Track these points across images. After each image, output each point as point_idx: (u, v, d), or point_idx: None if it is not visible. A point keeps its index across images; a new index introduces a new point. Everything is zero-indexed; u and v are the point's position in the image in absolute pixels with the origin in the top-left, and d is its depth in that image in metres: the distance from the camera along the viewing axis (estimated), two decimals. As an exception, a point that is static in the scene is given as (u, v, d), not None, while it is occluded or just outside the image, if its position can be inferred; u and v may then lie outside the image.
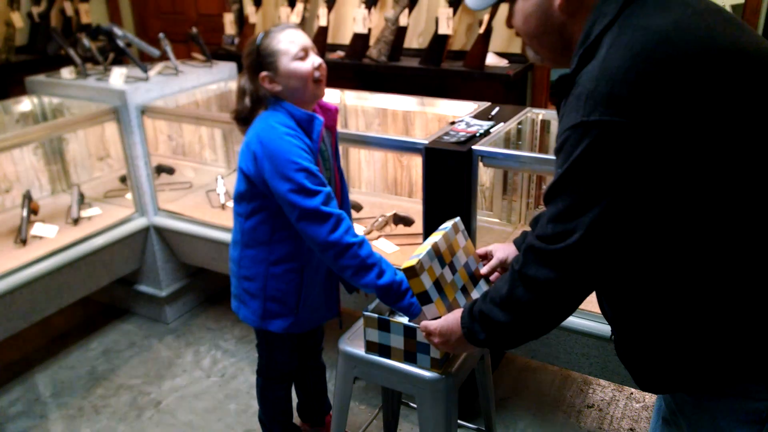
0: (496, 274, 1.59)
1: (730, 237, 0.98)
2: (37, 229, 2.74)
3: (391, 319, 1.55)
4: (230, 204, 2.93)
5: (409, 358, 1.56)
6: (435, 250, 1.48)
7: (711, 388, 1.08)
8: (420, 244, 1.68)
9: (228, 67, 3.22)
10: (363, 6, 3.49)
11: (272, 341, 1.96)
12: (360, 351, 1.63)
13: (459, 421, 1.83)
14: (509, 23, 1.17)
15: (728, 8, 2.60)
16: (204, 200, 3.04)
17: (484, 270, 1.58)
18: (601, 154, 0.95)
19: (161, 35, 3.16)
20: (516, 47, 3.38)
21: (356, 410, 2.43)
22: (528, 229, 1.59)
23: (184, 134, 3.43)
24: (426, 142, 2.06)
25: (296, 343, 2.03)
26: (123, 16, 5.00)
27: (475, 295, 1.54)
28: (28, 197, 2.81)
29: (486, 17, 3.17)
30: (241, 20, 4.06)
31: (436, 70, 3.33)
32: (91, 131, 3.25)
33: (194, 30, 3.33)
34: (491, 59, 3.28)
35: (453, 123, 2.25)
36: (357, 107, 3.01)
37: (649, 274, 1.05)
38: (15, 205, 2.98)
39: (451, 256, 1.53)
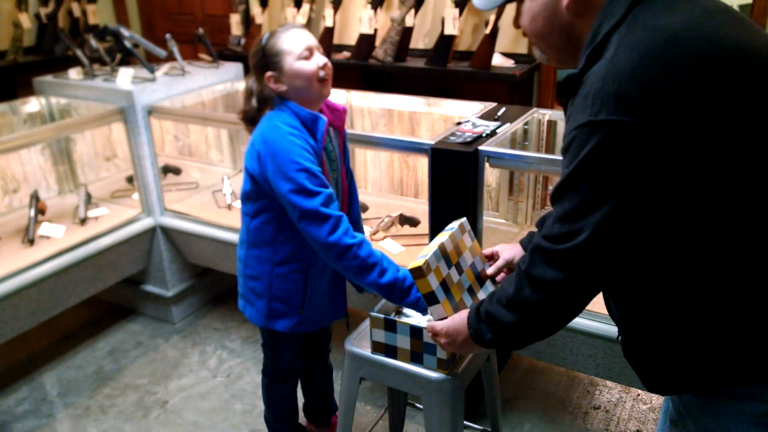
0: (502, 274, 1.58)
1: (737, 237, 0.98)
2: (45, 229, 2.75)
3: (397, 319, 1.55)
4: (236, 204, 2.93)
5: (416, 359, 1.56)
6: (442, 251, 1.48)
7: (719, 390, 1.07)
8: (426, 244, 1.68)
9: (234, 68, 3.23)
10: (369, 6, 3.49)
11: (277, 341, 1.97)
12: (366, 351, 1.63)
13: (465, 422, 1.83)
14: (516, 23, 1.17)
15: (736, 8, 2.59)
16: (210, 200, 3.04)
17: (490, 270, 1.58)
18: (608, 153, 0.95)
19: (168, 36, 3.18)
20: (522, 47, 3.37)
21: (362, 411, 2.43)
22: (534, 229, 1.59)
23: (191, 134, 3.44)
24: (432, 142, 2.06)
25: (302, 342, 2.03)
26: (130, 16, 5.02)
27: (482, 295, 1.54)
28: (35, 197, 2.83)
29: (492, 17, 3.16)
30: (248, 21, 4.07)
31: (442, 71, 3.32)
32: (99, 132, 3.26)
33: (201, 31, 3.33)
34: (497, 59, 3.27)
35: (459, 123, 2.25)
36: (363, 108, 3.02)
37: (656, 274, 1.05)
38: (23, 205, 2.99)
39: (457, 256, 1.53)
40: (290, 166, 1.62)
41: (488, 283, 1.59)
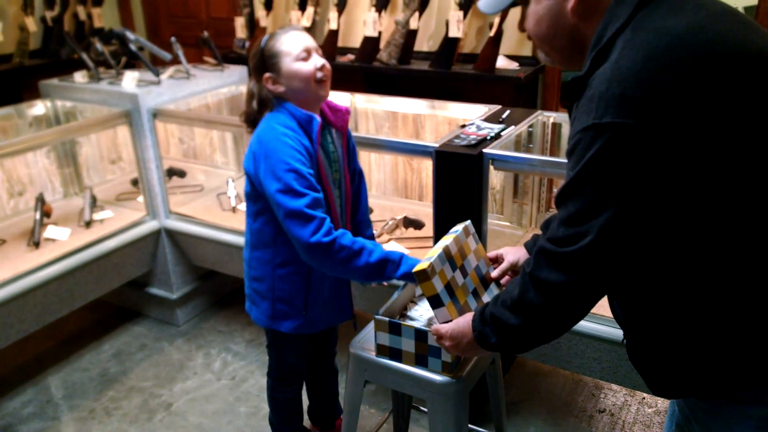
0: (506, 277, 1.58)
1: (743, 240, 0.98)
2: (50, 231, 2.76)
3: (402, 323, 1.55)
4: (241, 207, 2.94)
5: (420, 362, 1.55)
6: (446, 254, 1.48)
7: (725, 394, 1.06)
8: (430, 247, 1.68)
9: (239, 71, 3.23)
10: (373, 9, 3.49)
11: (281, 342, 1.97)
12: (371, 354, 1.63)
13: (470, 425, 1.82)
14: (522, 27, 1.17)
15: (741, 10, 2.58)
16: (215, 203, 3.05)
17: (494, 273, 1.58)
18: (613, 156, 0.95)
19: (173, 39, 3.19)
20: (526, 50, 3.37)
21: (366, 414, 2.43)
22: (539, 232, 1.59)
23: (196, 137, 3.45)
24: (436, 145, 2.06)
25: (306, 344, 2.03)
26: (135, 20, 5.04)
27: (486, 298, 1.54)
28: (41, 200, 2.84)
29: (497, 20, 3.16)
30: (252, 24, 4.07)
31: (446, 73, 3.32)
32: (104, 135, 3.28)
33: (205, 34, 3.35)
34: (502, 62, 3.27)
35: (463, 126, 2.25)
36: (367, 110, 3.02)
37: (661, 277, 1.05)
38: (28, 208, 3.00)
39: (462, 259, 1.53)
40: (280, 165, 1.63)
41: (493, 286, 1.58)
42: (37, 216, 2.77)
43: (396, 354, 1.58)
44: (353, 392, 1.71)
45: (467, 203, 2.04)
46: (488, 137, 2.09)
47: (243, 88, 3.19)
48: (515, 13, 3.06)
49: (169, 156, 3.35)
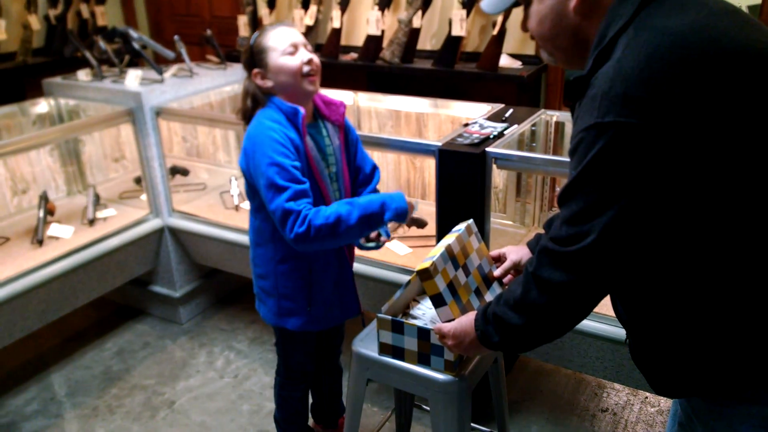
0: (509, 276, 1.58)
1: (745, 239, 0.98)
2: (54, 229, 2.77)
3: (405, 321, 1.55)
4: (244, 205, 2.95)
5: (423, 360, 1.56)
6: (449, 253, 1.48)
7: (727, 393, 1.06)
8: (433, 246, 1.68)
9: (242, 69, 3.23)
10: (376, 8, 3.49)
11: (289, 340, 1.97)
12: (373, 353, 1.63)
13: (472, 424, 1.82)
14: (524, 27, 1.17)
15: (745, 9, 2.57)
16: (218, 201, 3.05)
17: (497, 272, 1.58)
18: (615, 155, 0.95)
19: (176, 37, 3.19)
20: (529, 48, 3.36)
21: (369, 412, 2.43)
22: (542, 231, 1.59)
23: (199, 136, 3.45)
24: (439, 143, 2.06)
25: (314, 344, 2.03)
26: (138, 18, 5.04)
27: (489, 297, 1.54)
28: (44, 198, 2.84)
29: (499, 19, 3.16)
30: (255, 22, 4.07)
31: (449, 72, 3.32)
32: (107, 133, 3.28)
33: (208, 32, 3.35)
34: (505, 61, 3.26)
35: (466, 125, 2.25)
36: (370, 109, 3.02)
37: (664, 277, 1.05)
38: (32, 206, 3.01)
39: (464, 258, 1.53)
40: (263, 160, 1.65)
41: (495, 285, 1.59)
42: (41, 214, 2.77)
43: (398, 352, 1.58)
44: (356, 390, 1.72)
45: (470, 202, 2.04)
46: (491, 136, 2.09)
47: (246, 87, 3.19)
48: (518, 11, 3.05)
49: (172, 154, 3.35)
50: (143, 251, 2.90)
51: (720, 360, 1.04)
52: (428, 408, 1.66)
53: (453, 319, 1.39)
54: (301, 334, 1.93)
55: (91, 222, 2.85)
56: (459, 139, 2.08)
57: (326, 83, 2.94)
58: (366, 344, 1.67)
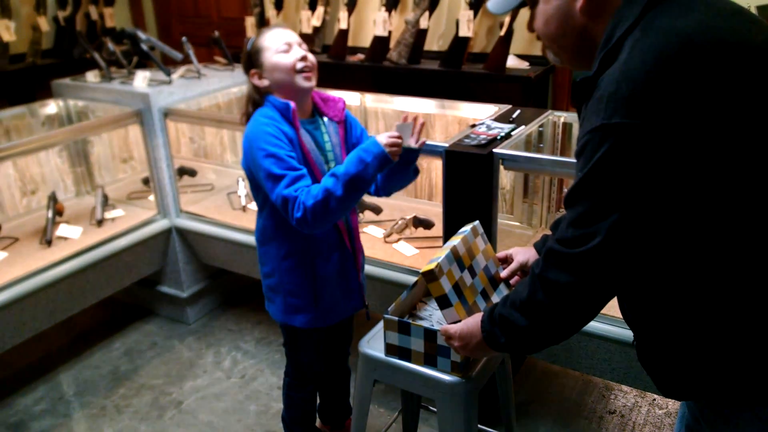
0: (516, 278, 1.58)
1: (751, 242, 0.97)
2: (62, 230, 2.78)
3: (411, 322, 1.55)
4: (251, 206, 2.95)
5: (429, 361, 1.55)
6: (454, 254, 1.48)
7: (734, 395, 1.06)
8: (440, 247, 1.68)
9: (249, 70, 3.24)
10: (383, 9, 3.49)
11: (297, 339, 1.97)
12: (380, 354, 1.63)
13: (479, 426, 1.82)
14: (531, 27, 1.17)
15: (753, 10, 2.56)
16: (225, 202, 3.06)
17: (504, 273, 1.58)
18: (622, 157, 0.95)
19: (184, 39, 3.20)
20: (537, 49, 3.36)
21: (376, 413, 2.43)
22: (549, 232, 1.58)
23: (206, 137, 3.46)
24: (446, 145, 2.06)
25: (322, 344, 2.03)
26: (146, 20, 5.06)
27: (496, 298, 1.54)
28: (53, 199, 2.86)
29: (507, 19, 3.15)
30: (263, 23, 4.08)
31: (456, 73, 3.32)
32: (115, 134, 3.30)
33: (216, 34, 3.36)
34: (512, 61, 3.26)
35: (473, 126, 2.24)
36: (377, 110, 3.02)
37: (670, 278, 1.04)
38: (41, 207, 3.03)
39: (470, 259, 1.53)
40: (259, 153, 1.68)
41: (502, 286, 1.58)
42: (50, 214, 2.79)
43: (405, 353, 1.58)
44: (363, 391, 1.72)
45: (477, 203, 2.04)
46: (498, 137, 2.09)
47: (253, 88, 3.20)
48: (526, 12, 3.05)
49: (180, 155, 3.36)
50: (151, 252, 2.92)
51: (726, 362, 1.03)
52: (435, 409, 1.66)
53: (459, 321, 1.39)
54: (309, 332, 1.93)
55: (100, 222, 2.86)
56: (466, 140, 2.08)
57: (333, 84, 2.95)
58: (373, 345, 1.67)
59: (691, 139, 0.91)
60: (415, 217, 2.62)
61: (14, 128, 3.02)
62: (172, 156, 2.87)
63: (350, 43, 3.75)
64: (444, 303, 1.43)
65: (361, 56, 3.67)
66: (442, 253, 1.46)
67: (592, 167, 0.98)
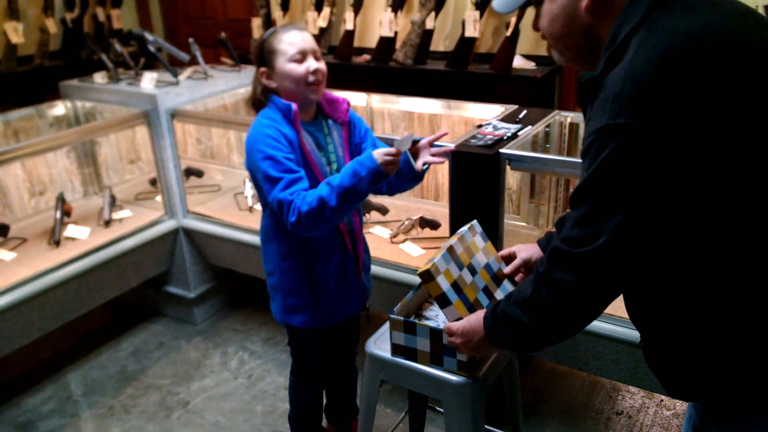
0: (520, 275, 1.58)
1: (757, 242, 0.97)
2: (70, 230, 2.80)
3: (417, 322, 1.55)
4: (257, 207, 2.96)
5: (435, 361, 1.55)
6: (451, 253, 1.50)
7: (740, 396, 1.05)
8: (447, 247, 1.68)
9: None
10: (389, 9, 3.49)
11: (299, 338, 1.98)
12: (387, 354, 1.63)
13: (486, 427, 1.82)
14: (536, 26, 1.17)
15: (761, 9, 2.55)
16: (232, 203, 3.07)
17: (507, 269, 1.59)
18: (627, 157, 0.94)
19: (191, 40, 3.21)
20: (543, 49, 3.35)
21: (382, 414, 2.43)
22: (553, 230, 1.59)
23: (213, 137, 3.47)
24: (453, 145, 2.06)
25: (327, 344, 2.03)
26: (153, 21, 5.08)
27: (499, 295, 1.54)
28: (61, 199, 2.87)
29: (513, 20, 3.15)
30: (269, 25, 4.09)
31: (462, 73, 3.32)
32: (123, 135, 3.31)
33: (223, 35, 3.37)
34: (518, 62, 3.25)
35: (480, 126, 2.24)
36: (383, 110, 3.02)
37: (675, 278, 1.04)
38: (49, 207, 3.05)
39: (469, 258, 1.54)
40: (257, 155, 1.69)
41: (506, 282, 1.59)
42: (58, 215, 2.80)
43: (411, 353, 1.58)
44: (369, 392, 1.72)
45: (484, 203, 2.04)
46: (505, 137, 2.09)
47: (260, 89, 3.21)
48: (532, 12, 3.04)
49: (187, 156, 3.37)
50: (158, 252, 2.93)
51: (733, 362, 1.03)
52: (442, 410, 1.66)
53: (460, 318, 1.39)
54: (309, 331, 1.93)
55: (107, 223, 2.87)
56: (472, 141, 2.08)
57: (339, 85, 2.96)
58: (379, 345, 1.67)
59: (696, 138, 0.91)
60: (421, 218, 2.62)
61: (22, 129, 3.03)
62: (179, 157, 2.88)
63: (356, 43, 3.75)
64: (443, 302, 1.44)
65: (367, 57, 3.67)
66: (438, 254, 1.47)
67: (597, 167, 0.98)
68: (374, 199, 2.80)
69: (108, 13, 4.66)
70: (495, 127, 2.20)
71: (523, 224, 2.67)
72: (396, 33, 3.52)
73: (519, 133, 2.13)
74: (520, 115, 2.35)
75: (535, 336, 1.17)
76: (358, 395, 2.27)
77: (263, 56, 1.76)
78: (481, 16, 3.23)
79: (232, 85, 3.12)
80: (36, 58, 4.33)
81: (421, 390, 1.66)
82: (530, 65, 3.28)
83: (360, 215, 1.94)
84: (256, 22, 4.12)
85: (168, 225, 2.92)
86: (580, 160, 1.05)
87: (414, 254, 2.47)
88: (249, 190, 3.04)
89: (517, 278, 1.59)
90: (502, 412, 1.98)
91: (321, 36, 3.78)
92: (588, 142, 1.00)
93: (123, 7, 4.75)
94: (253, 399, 2.59)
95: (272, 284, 1.91)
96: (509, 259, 1.60)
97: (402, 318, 1.56)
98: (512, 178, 2.63)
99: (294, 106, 1.73)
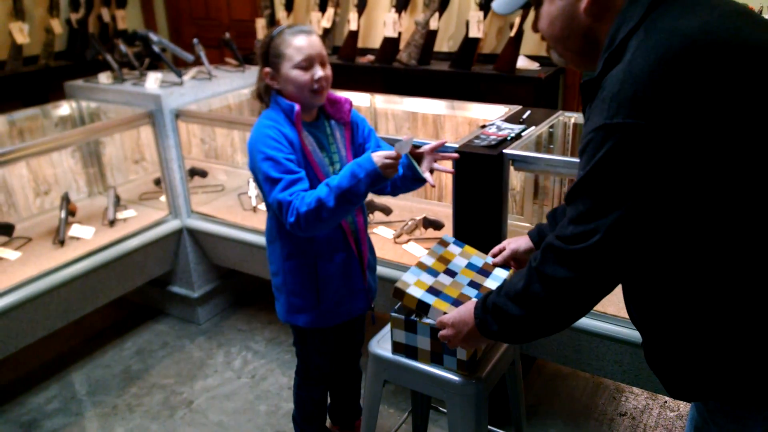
0: (512, 262, 1.63)
1: (754, 242, 0.97)
2: (75, 230, 2.81)
3: (417, 320, 1.55)
4: (261, 207, 2.96)
5: (436, 360, 1.56)
6: (420, 266, 1.59)
7: (742, 396, 1.05)
8: (451, 247, 1.74)
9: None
10: (393, 10, 3.50)
11: (304, 338, 1.98)
12: (390, 354, 1.64)
13: (489, 427, 1.82)
14: (535, 27, 1.17)
15: (766, 9, 2.54)
16: (236, 203, 3.07)
17: (497, 260, 1.63)
18: (623, 156, 0.95)
19: (195, 41, 3.22)
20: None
21: (385, 414, 2.43)
22: (545, 222, 1.61)
23: (217, 138, 3.48)
24: (456, 145, 2.06)
25: (333, 345, 2.03)
26: (158, 22, 5.10)
27: (488, 284, 1.60)
28: (66, 199, 2.88)
29: (517, 20, 3.15)
30: (273, 25, 4.10)
31: (466, 74, 3.32)
32: (127, 135, 3.32)
33: (227, 35, 3.38)
34: (522, 62, 3.25)
35: (484, 126, 2.24)
36: (387, 111, 3.02)
37: (676, 278, 1.04)
38: (54, 207, 3.06)
39: (445, 265, 1.63)
40: (258, 156, 1.69)
41: (497, 271, 1.65)
42: (63, 215, 2.81)
43: (411, 351, 1.59)
44: (372, 392, 1.72)
45: (487, 204, 2.04)
46: (508, 138, 2.09)
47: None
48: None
49: (191, 156, 3.38)
50: (162, 252, 2.93)
51: (734, 362, 1.03)
52: (445, 410, 1.66)
53: (445, 314, 1.43)
54: (315, 331, 1.93)
55: (112, 223, 2.88)
56: (476, 141, 2.08)
57: (343, 85, 2.96)
58: (383, 345, 1.68)
59: (694, 139, 0.91)
60: (425, 218, 2.62)
61: (27, 129, 3.05)
62: (183, 157, 2.88)
63: (360, 44, 3.76)
64: (422, 307, 1.50)
65: (371, 57, 3.67)
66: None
67: (593, 166, 0.98)
68: (378, 199, 2.80)
69: (113, 13, 4.68)
70: (499, 128, 2.20)
71: (527, 225, 2.67)
72: (400, 33, 3.53)
73: (522, 134, 2.13)
74: (524, 116, 2.35)
75: (524, 328, 1.18)
76: (362, 396, 2.28)
77: (269, 58, 1.75)
78: (485, 16, 3.23)
79: (236, 85, 3.13)
80: (41, 59, 4.35)
81: (424, 390, 1.66)
82: (534, 66, 3.28)
83: (364, 215, 1.94)
84: (261, 23, 4.13)
85: (172, 225, 2.93)
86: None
87: (417, 254, 2.47)
88: (253, 190, 3.04)
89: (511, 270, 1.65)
90: (506, 412, 1.98)
91: (325, 36, 3.78)
92: (585, 140, 1.01)
93: (128, 8, 4.77)
94: (257, 399, 2.59)
95: (277, 284, 1.92)
96: (501, 253, 1.64)
97: (403, 316, 1.57)
98: (516, 179, 2.63)
99: (297, 106, 1.73)
